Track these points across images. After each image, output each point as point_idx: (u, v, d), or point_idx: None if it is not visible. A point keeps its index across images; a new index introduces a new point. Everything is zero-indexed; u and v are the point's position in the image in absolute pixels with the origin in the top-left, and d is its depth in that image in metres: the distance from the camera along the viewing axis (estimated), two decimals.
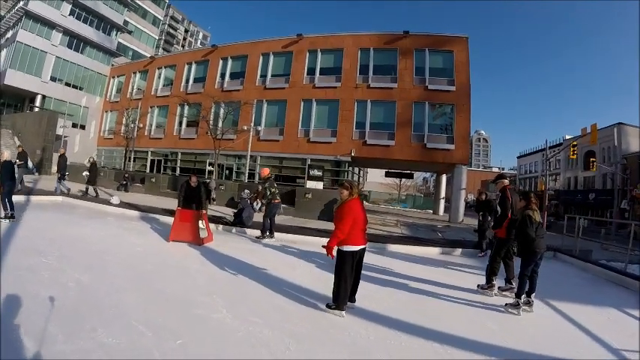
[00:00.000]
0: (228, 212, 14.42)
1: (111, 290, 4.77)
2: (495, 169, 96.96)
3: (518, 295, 5.82)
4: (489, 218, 10.52)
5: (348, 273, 4.89)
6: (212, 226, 10.06)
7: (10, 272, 4.90)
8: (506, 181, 7.29)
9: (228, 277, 6.14)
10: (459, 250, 10.99)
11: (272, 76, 30.65)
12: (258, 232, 10.71)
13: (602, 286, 8.05)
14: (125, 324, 3.82)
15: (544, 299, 6.37)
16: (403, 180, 53.07)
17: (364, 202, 8.56)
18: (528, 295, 5.85)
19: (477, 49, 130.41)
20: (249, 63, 31.60)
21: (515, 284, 6.38)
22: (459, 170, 25.82)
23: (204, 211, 9.52)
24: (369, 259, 8.51)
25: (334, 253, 4.84)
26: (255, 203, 16.56)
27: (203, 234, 9.06)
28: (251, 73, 31.34)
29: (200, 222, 9.26)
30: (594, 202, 44.57)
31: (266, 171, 11.18)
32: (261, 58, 31.29)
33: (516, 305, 5.75)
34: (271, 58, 30.94)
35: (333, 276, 4.97)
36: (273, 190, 10.60)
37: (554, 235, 20.85)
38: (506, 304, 5.91)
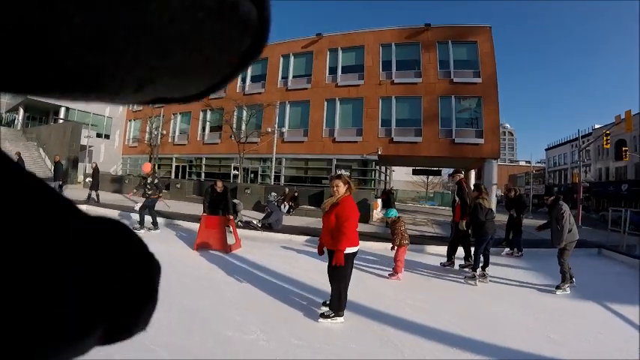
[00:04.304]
0: (256, 216, 13.98)
1: None
2: (522, 163, 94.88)
3: (474, 269, 7.03)
4: (522, 215, 10.80)
5: (349, 277, 4.54)
6: (239, 231, 9.64)
7: None
8: (462, 175, 8.56)
9: (259, 288, 5.60)
10: (503, 250, 10.35)
11: (293, 77, 30.32)
12: (286, 236, 10.68)
13: None
14: (144, 348, 3.34)
15: (602, 302, 5.93)
16: (430, 177, 52.25)
17: (395, 201, 8.25)
18: (483, 269, 7.10)
19: (500, 43, 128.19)
20: (270, 65, 31.30)
21: (472, 261, 7.53)
22: (489, 165, 24.79)
23: (231, 217, 9.11)
24: (413, 264, 8.10)
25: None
26: (283, 206, 16.19)
27: (230, 240, 8.64)
28: (272, 75, 31.06)
29: (227, 228, 8.87)
30: (628, 194, 42.53)
31: (148, 166, 10.92)
32: (281, 59, 30.96)
33: (473, 277, 6.88)
34: (292, 58, 30.61)
35: (331, 282, 4.53)
36: (158, 184, 10.50)
37: (590, 229, 19.96)
38: (465, 277, 7.07)
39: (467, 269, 7.69)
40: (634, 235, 12.70)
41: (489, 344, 4.12)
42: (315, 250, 4.89)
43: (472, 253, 7.70)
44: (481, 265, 7.11)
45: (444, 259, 8.39)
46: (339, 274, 4.44)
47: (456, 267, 8.04)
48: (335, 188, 4.59)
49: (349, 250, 4.38)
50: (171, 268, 6.40)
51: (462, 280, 6.96)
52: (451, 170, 9.61)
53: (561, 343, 4.27)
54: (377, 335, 4.16)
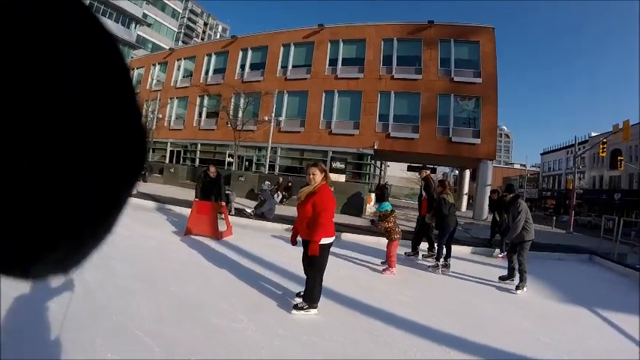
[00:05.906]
0: (248, 204, 13.85)
1: (117, 292, 4.21)
2: (517, 166, 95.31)
3: (437, 259, 7.45)
4: (505, 217, 10.31)
5: (324, 267, 4.39)
6: (231, 218, 9.51)
7: None
8: (428, 171, 9.12)
9: (248, 277, 5.50)
10: (494, 251, 10.30)
11: (293, 66, 30.01)
12: (278, 225, 10.64)
13: None
14: (130, 335, 3.25)
15: (592, 308, 5.87)
16: None
17: (389, 197, 8.31)
18: (445, 259, 7.49)
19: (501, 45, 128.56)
20: (270, 54, 31.01)
21: (434, 251, 8.03)
22: (484, 166, 24.88)
23: (223, 203, 8.99)
24: (406, 260, 8.12)
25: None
26: (276, 195, 16.07)
27: (222, 227, 8.53)
28: (272, 63, 30.75)
29: (219, 215, 8.75)
30: (620, 203, 42.63)
31: None
32: (281, 48, 30.67)
33: (436, 267, 7.38)
34: (292, 48, 30.30)
35: (307, 273, 4.43)
36: None
37: (581, 236, 20.05)
38: (428, 267, 7.57)
39: (430, 259, 8.24)
40: (625, 244, 12.73)
41: (478, 343, 4.07)
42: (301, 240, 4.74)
43: (435, 244, 8.12)
44: (443, 255, 7.47)
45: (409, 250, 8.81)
46: (315, 265, 4.31)
47: (420, 257, 8.56)
48: (311, 176, 4.41)
49: (325, 240, 4.24)
50: (162, 254, 6.30)
51: (428, 269, 7.44)
52: (443, 167, 9.70)
53: (551, 346, 4.24)
54: (365, 329, 4.07)
